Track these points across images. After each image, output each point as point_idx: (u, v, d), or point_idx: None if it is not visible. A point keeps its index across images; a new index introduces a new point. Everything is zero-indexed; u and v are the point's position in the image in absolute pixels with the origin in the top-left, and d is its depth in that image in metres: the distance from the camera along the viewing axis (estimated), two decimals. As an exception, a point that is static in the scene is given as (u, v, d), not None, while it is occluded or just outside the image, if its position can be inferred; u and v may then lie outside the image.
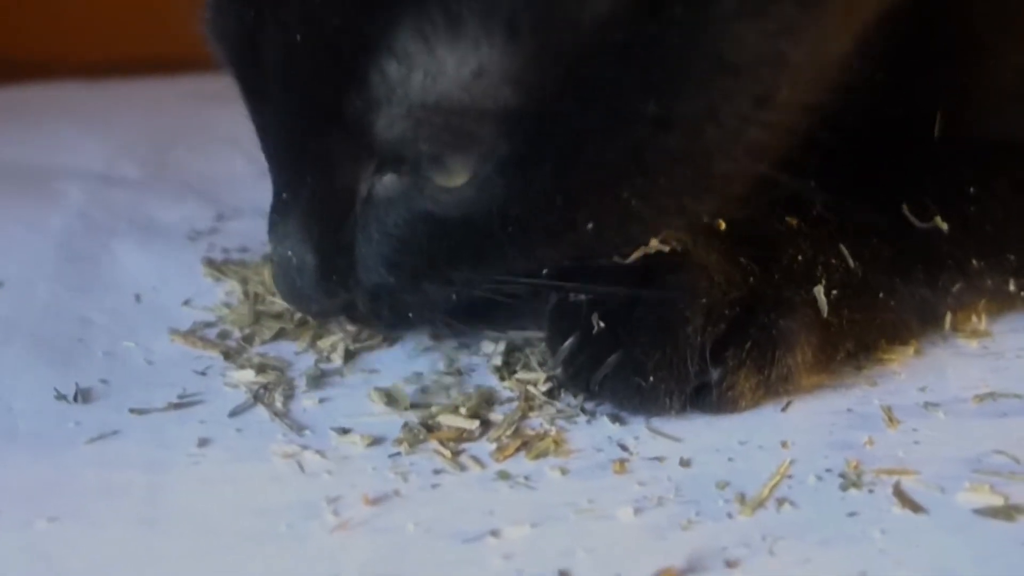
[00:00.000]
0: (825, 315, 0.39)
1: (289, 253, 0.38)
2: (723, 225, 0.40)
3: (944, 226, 0.43)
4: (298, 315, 0.46)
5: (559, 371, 0.39)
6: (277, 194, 0.38)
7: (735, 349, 0.37)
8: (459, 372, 0.42)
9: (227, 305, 0.48)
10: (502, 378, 0.41)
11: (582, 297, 0.38)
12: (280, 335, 0.45)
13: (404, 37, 0.32)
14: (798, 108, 0.36)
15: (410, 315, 0.39)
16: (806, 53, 0.35)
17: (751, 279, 0.39)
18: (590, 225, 0.36)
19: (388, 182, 0.36)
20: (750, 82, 0.34)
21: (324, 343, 0.44)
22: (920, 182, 0.44)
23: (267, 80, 0.36)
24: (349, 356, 0.43)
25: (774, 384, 0.38)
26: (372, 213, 0.37)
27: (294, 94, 0.35)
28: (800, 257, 0.41)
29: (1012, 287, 0.45)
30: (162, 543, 0.32)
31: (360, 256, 0.38)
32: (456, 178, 0.35)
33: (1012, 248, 0.44)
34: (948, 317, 0.44)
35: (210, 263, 0.53)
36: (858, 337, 0.42)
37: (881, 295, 0.42)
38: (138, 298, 0.50)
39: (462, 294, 0.38)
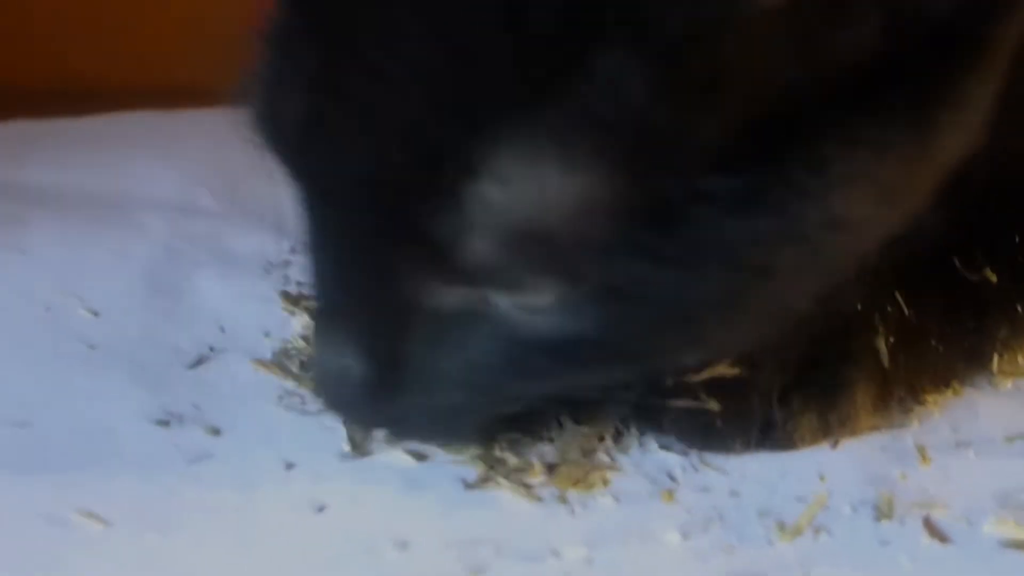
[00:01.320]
0: (887, 364, 0.42)
1: (339, 361, 0.37)
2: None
3: (994, 278, 0.45)
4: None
5: (632, 409, 0.42)
6: (328, 295, 0.38)
7: (800, 393, 0.41)
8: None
9: (304, 338, 0.52)
10: None
11: None
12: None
13: (509, 161, 0.31)
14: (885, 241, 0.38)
15: (462, 429, 0.40)
16: (896, 214, 0.37)
17: (815, 326, 0.41)
18: (670, 352, 0.37)
19: (459, 296, 0.35)
20: (850, 238, 0.36)
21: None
22: (968, 231, 0.46)
23: (342, 185, 0.34)
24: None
25: (834, 427, 0.42)
26: (436, 327, 0.36)
27: (374, 205, 0.34)
28: (859, 306, 0.43)
29: None
30: (257, 556, 0.36)
31: (415, 370, 0.36)
32: (539, 300, 0.34)
33: None
34: (995, 359, 0.47)
35: (286, 296, 0.57)
36: (910, 381, 0.44)
37: (933, 342, 0.45)
38: (222, 328, 0.54)
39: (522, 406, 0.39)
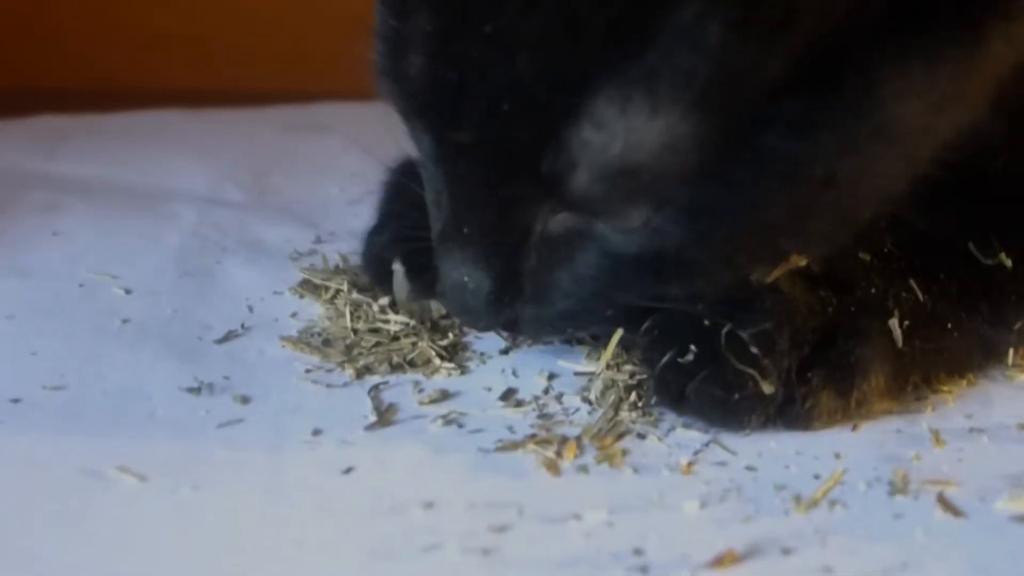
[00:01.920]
0: (900, 345, 0.43)
1: (465, 278, 0.43)
2: (803, 261, 0.43)
3: (1008, 262, 0.47)
4: (394, 328, 0.51)
5: (653, 382, 0.43)
6: (450, 222, 0.43)
7: (818, 371, 0.42)
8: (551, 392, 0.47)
9: (328, 318, 0.53)
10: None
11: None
12: (378, 347, 0.50)
13: (604, 107, 0.36)
14: (933, 163, 0.41)
15: (568, 329, 0.45)
16: (950, 124, 0.40)
17: (830, 309, 0.43)
18: (746, 264, 0.41)
19: (563, 220, 0.41)
20: (904, 148, 0.39)
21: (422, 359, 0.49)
22: (984, 219, 0.48)
23: (462, 131, 0.39)
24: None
25: (852, 406, 0.42)
26: (546, 246, 0.42)
27: (492, 149, 0.39)
28: (873, 290, 0.45)
29: None
30: (287, 511, 0.37)
31: (530, 282, 0.43)
32: (631, 223, 0.40)
33: None
34: (1011, 352, 0.48)
35: (307, 285, 0.57)
36: (925, 368, 0.45)
37: (948, 326, 0.46)
38: (250, 308, 0.55)
39: (618, 312, 0.44)
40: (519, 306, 0.44)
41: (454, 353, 0.50)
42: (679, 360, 0.42)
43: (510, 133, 0.38)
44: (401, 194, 0.54)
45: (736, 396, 0.41)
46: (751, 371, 0.41)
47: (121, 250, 0.63)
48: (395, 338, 0.50)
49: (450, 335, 0.51)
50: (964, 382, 0.47)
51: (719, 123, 0.37)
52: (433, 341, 0.50)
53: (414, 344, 0.50)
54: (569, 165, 0.38)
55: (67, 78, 1.15)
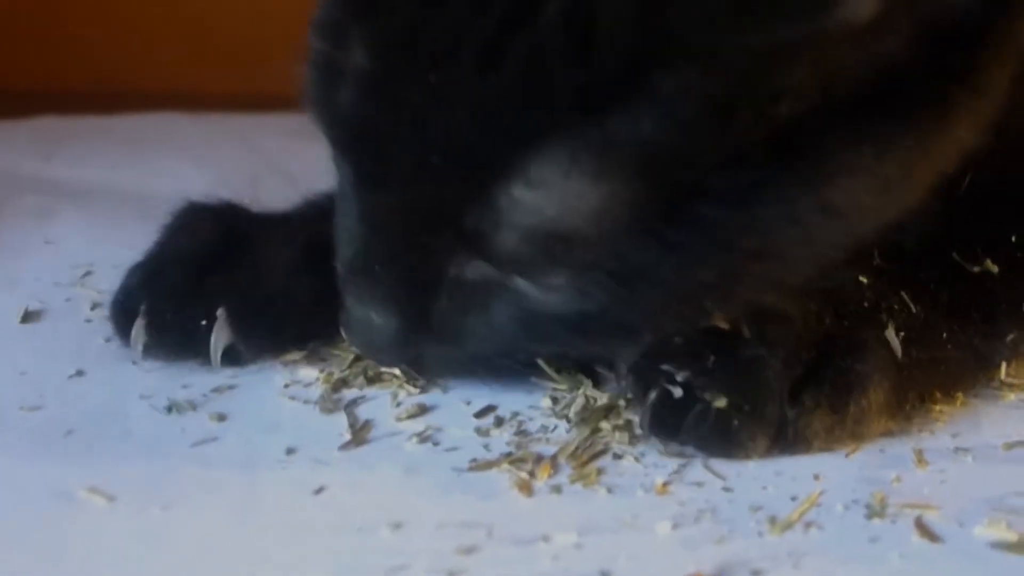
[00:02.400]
0: (899, 356, 0.42)
1: (372, 315, 0.42)
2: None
3: (995, 268, 0.46)
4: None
5: (646, 421, 0.42)
6: (364, 260, 0.42)
7: (812, 391, 0.41)
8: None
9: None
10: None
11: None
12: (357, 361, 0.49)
13: (547, 168, 0.36)
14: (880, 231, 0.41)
15: (480, 371, 0.45)
16: (895, 204, 0.40)
17: (824, 325, 0.42)
18: (668, 326, 0.41)
19: (480, 267, 0.40)
20: (847, 224, 0.40)
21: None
22: (968, 231, 0.48)
23: (387, 175, 0.39)
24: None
25: (848, 426, 0.41)
26: (459, 290, 0.41)
27: (415, 197, 0.39)
28: (866, 304, 0.44)
29: None
30: (255, 530, 0.36)
31: (439, 323, 0.42)
32: (552, 282, 0.39)
33: None
34: (1003, 366, 0.47)
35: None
36: (922, 383, 0.44)
37: (943, 337, 0.45)
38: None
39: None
40: (424, 344, 0.43)
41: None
42: (670, 391, 0.40)
43: (437, 184, 0.38)
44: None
45: (735, 423, 0.40)
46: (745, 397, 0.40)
47: (110, 261, 0.62)
48: (359, 358, 0.49)
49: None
50: (957, 401, 0.46)
51: (662, 191, 0.37)
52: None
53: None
54: (495, 224, 0.37)
55: (70, 79, 1.16)
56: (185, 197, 0.54)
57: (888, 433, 0.43)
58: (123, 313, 0.48)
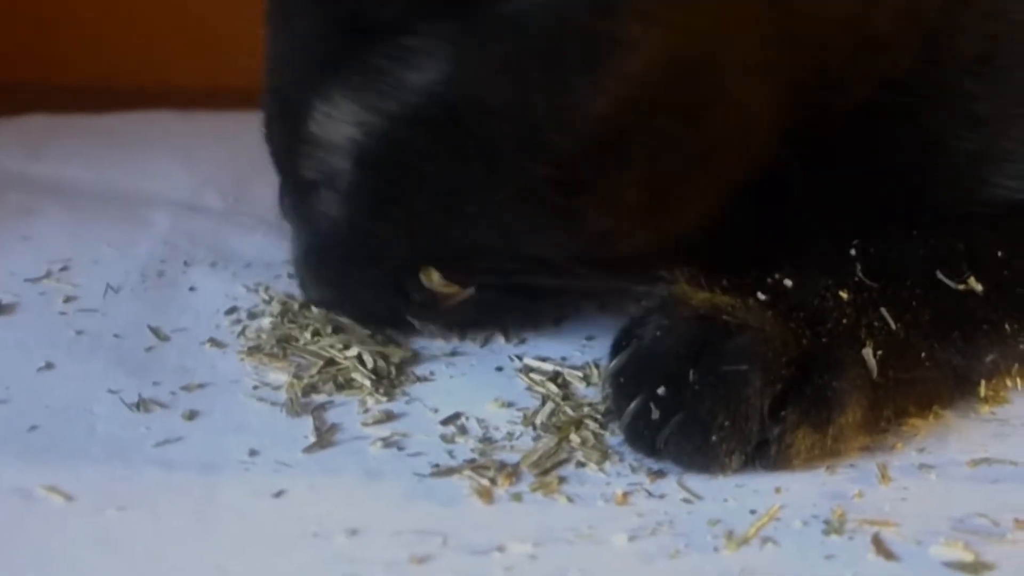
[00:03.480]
0: (875, 375, 0.42)
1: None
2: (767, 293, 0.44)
3: (979, 287, 0.46)
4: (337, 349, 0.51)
5: (624, 432, 0.42)
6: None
7: (793, 408, 0.40)
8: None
9: (284, 339, 0.52)
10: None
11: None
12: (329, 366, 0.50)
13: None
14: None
15: None
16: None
17: (803, 341, 0.42)
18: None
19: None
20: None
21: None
22: (953, 247, 0.48)
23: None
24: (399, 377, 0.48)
25: (828, 444, 0.41)
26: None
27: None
28: (845, 321, 0.44)
29: None
30: (211, 535, 0.36)
31: None
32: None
33: None
34: (983, 384, 0.47)
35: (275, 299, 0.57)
36: (898, 400, 0.44)
37: (921, 356, 0.45)
38: (208, 320, 0.55)
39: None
40: None
41: (400, 371, 0.49)
42: (649, 406, 0.41)
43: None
44: None
45: (713, 439, 0.40)
46: (724, 411, 0.40)
47: (88, 257, 0.63)
48: (331, 362, 0.50)
49: (397, 353, 0.51)
50: (931, 415, 0.46)
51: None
52: (381, 359, 0.50)
53: (359, 362, 0.49)
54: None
55: (62, 75, 1.16)
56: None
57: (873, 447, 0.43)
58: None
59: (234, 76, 1.19)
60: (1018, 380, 0.48)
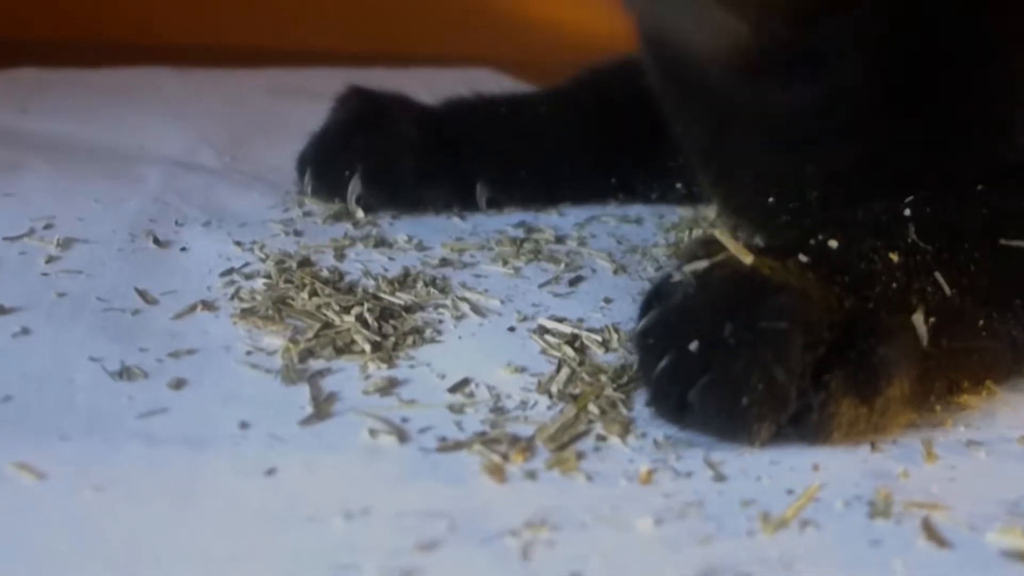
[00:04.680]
0: (925, 343, 0.39)
1: None
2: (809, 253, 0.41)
3: None
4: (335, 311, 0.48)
5: (649, 392, 0.39)
6: None
7: (837, 374, 0.37)
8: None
9: (280, 296, 0.49)
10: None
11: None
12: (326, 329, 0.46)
13: None
14: None
15: None
16: None
17: (846, 303, 0.38)
18: None
19: None
20: None
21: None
22: (1017, 208, 0.44)
23: None
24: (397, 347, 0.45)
25: (876, 415, 0.38)
26: None
27: None
28: (895, 285, 0.40)
29: None
30: (194, 519, 0.33)
31: None
32: None
33: None
34: None
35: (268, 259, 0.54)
36: (950, 373, 0.41)
37: (978, 325, 0.41)
38: (200, 282, 0.51)
39: None
40: None
41: (404, 333, 0.46)
42: (678, 364, 0.37)
43: None
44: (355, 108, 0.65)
45: (744, 401, 0.36)
46: (760, 373, 0.36)
47: (74, 215, 0.59)
48: (329, 324, 0.47)
49: (403, 318, 0.47)
50: (984, 391, 0.42)
51: None
52: (384, 320, 0.46)
53: (361, 323, 0.46)
54: None
55: (54, 30, 1.12)
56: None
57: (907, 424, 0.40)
58: (298, 165, 0.65)
59: (231, 34, 1.16)
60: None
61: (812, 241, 0.42)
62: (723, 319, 0.37)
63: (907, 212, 0.44)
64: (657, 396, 0.38)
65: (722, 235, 0.39)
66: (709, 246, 0.39)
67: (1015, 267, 0.43)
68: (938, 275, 0.41)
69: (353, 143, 0.63)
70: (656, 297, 0.40)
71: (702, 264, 0.38)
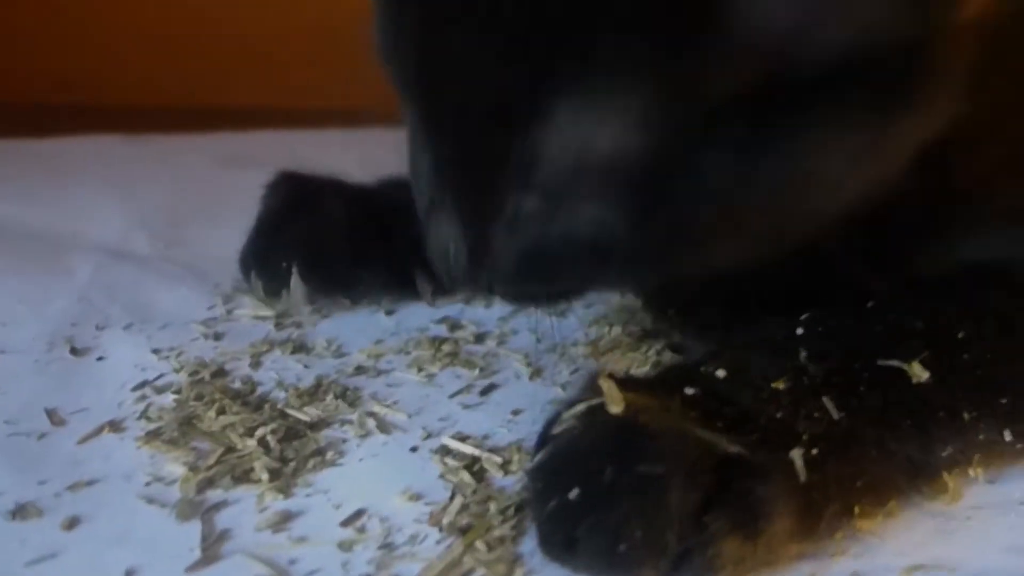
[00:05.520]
0: (803, 478, 0.39)
1: (450, 245, 0.46)
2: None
3: (924, 375, 0.43)
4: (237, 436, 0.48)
5: (538, 536, 0.39)
6: (436, 198, 0.46)
7: (717, 516, 0.37)
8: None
9: (185, 421, 0.49)
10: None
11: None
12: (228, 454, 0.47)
13: (562, 112, 0.39)
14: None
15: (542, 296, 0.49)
16: (869, 177, 0.42)
17: (725, 443, 0.39)
18: (688, 257, 0.43)
19: (535, 202, 0.43)
20: (822, 192, 0.42)
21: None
22: (910, 325, 0.45)
23: (442, 117, 0.43)
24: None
25: (759, 552, 0.38)
26: (519, 223, 0.44)
27: (466, 138, 0.43)
28: (780, 414, 0.41)
29: (1008, 437, 0.44)
30: None
31: (503, 252, 0.45)
32: (591, 211, 0.42)
33: (1005, 392, 0.44)
34: (946, 477, 0.44)
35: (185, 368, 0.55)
36: (844, 498, 0.41)
37: (868, 448, 0.42)
38: (112, 397, 0.52)
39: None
40: (492, 275, 0.46)
41: (306, 457, 0.46)
42: (563, 510, 0.37)
43: (482, 126, 0.42)
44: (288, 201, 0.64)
45: (622, 548, 0.36)
46: (641, 518, 0.36)
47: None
48: (231, 449, 0.47)
49: (307, 438, 0.48)
50: (882, 515, 0.42)
51: (663, 138, 0.39)
52: (288, 442, 0.47)
53: (262, 447, 0.47)
54: (534, 158, 0.41)
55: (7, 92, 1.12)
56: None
57: (819, 553, 0.40)
58: (241, 266, 0.64)
59: (194, 94, 1.17)
60: (980, 472, 0.45)
61: (703, 369, 0.43)
62: (603, 464, 0.37)
63: (799, 331, 0.45)
64: (544, 540, 0.39)
65: (603, 378, 0.40)
66: (594, 387, 0.40)
67: (905, 387, 0.43)
68: (826, 400, 0.42)
69: (285, 234, 0.63)
70: (546, 436, 0.40)
71: (582, 408, 0.39)
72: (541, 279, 0.46)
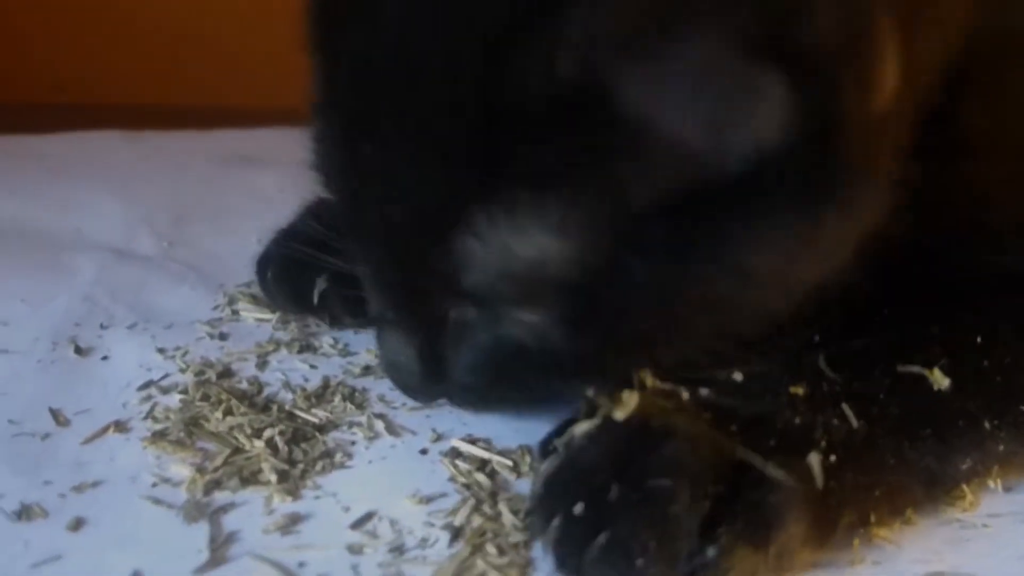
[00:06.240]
0: (820, 486, 0.38)
1: (400, 359, 0.46)
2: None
3: (945, 382, 0.42)
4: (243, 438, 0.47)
5: (550, 554, 0.38)
6: (382, 311, 0.46)
7: (728, 527, 0.37)
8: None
9: (191, 422, 0.48)
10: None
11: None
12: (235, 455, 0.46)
13: (480, 221, 0.39)
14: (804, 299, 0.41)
15: (496, 404, 0.48)
16: (808, 273, 0.40)
17: (738, 448, 0.38)
18: (628, 368, 0.41)
19: (471, 312, 0.43)
20: (758, 291, 0.40)
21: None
22: (929, 334, 0.44)
23: (369, 231, 0.43)
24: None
25: (770, 561, 0.37)
26: (459, 334, 0.44)
27: (393, 250, 0.43)
28: (798, 420, 0.40)
29: None
30: None
31: (451, 363, 0.45)
32: (521, 320, 0.42)
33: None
34: (964, 489, 0.43)
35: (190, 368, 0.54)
36: (860, 506, 0.40)
37: (887, 457, 0.41)
38: (116, 397, 0.51)
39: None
40: (448, 384, 0.46)
41: (314, 459, 0.46)
42: (570, 527, 0.37)
43: (406, 239, 0.41)
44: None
45: (639, 562, 0.36)
46: (649, 532, 0.36)
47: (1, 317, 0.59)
48: (238, 450, 0.46)
49: (315, 440, 0.47)
50: (899, 523, 0.42)
51: (585, 247, 0.39)
52: (296, 444, 0.46)
53: (270, 448, 0.46)
54: (457, 267, 0.40)
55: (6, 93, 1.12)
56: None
57: (833, 563, 0.40)
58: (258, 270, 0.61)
59: (194, 94, 1.16)
60: (999, 481, 0.44)
61: (721, 373, 0.42)
62: (612, 475, 0.37)
63: (816, 338, 0.44)
64: (557, 558, 0.38)
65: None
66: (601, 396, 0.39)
67: (925, 396, 0.42)
68: (845, 407, 0.41)
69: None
70: (551, 443, 0.40)
71: (586, 426, 0.39)
72: (492, 387, 0.46)
